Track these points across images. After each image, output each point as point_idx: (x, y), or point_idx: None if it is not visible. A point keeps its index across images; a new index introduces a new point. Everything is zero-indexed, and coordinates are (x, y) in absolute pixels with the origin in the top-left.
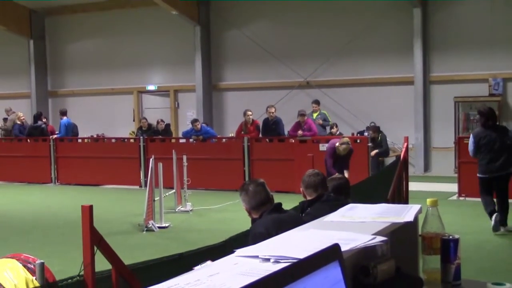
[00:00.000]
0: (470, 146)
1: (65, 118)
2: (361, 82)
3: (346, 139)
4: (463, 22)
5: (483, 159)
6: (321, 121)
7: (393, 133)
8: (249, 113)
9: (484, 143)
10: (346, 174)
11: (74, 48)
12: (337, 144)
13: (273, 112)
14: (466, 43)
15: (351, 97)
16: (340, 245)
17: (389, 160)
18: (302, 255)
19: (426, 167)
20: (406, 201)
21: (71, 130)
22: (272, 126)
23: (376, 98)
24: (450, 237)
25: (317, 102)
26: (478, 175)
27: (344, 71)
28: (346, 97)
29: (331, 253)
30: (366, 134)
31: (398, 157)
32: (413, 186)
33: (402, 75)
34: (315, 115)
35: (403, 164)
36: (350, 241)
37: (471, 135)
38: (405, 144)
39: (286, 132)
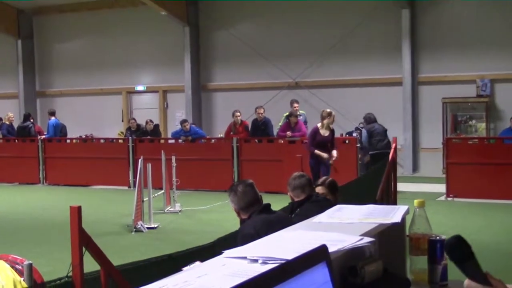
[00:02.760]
0: None
1: (53, 118)
2: (349, 83)
3: (329, 110)
4: (452, 23)
5: None
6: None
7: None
8: (238, 114)
9: None
10: (334, 154)
11: (63, 48)
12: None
13: (262, 113)
14: (455, 44)
15: (340, 98)
16: (328, 246)
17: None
18: (290, 256)
19: (415, 168)
20: (394, 202)
21: (60, 130)
22: (261, 127)
23: (365, 99)
24: (437, 237)
25: (297, 101)
26: None
27: (333, 71)
28: (335, 98)
29: (319, 254)
30: (354, 134)
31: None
32: (401, 186)
33: (390, 76)
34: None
35: (391, 164)
36: (338, 242)
37: None
38: (394, 144)
39: (275, 133)
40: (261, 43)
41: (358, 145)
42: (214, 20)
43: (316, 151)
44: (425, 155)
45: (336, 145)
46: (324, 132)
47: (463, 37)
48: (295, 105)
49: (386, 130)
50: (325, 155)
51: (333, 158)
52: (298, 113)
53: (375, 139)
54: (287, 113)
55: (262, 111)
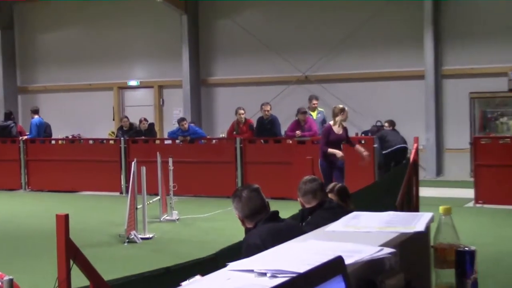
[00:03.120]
0: None
1: (36, 117)
2: (365, 77)
3: (341, 106)
4: (479, 10)
5: None
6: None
7: (401, 133)
8: (241, 111)
9: None
10: (360, 148)
11: (47, 39)
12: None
13: (268, 110)
14: (483, 33)
15: (354, 94)
16: (344, 257)
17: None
18: (302, 269)
19: (439, 171)
20: (416, 209)
21: (44, 130)
22: (267, 126)
23: (382, 95)
24: (466, 248)
25: (316, 98)
26: None
27: (347, 64)
28: (349, 94)
29: (334, 267)
30: (370, 134)
31: (407, 159)
32: (424, 191)
33: (411, 69)
34: (314, 114)
35: (413, 167)
36: (354, 253)
37: None
38: (415, 145)
39: (283, 132)
40: (268, 33)
41: (375, 145)
42: (215, 7)
43: (330, 150)
44: (450, 156)
45: (354, 143)
46: (338, 130)
47: (492, 24)
48: (314, 101)
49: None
50: (340, 153)
51: (364, 153)
52: (317, 110)
53: (387, 140)
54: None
55: (268, 108)
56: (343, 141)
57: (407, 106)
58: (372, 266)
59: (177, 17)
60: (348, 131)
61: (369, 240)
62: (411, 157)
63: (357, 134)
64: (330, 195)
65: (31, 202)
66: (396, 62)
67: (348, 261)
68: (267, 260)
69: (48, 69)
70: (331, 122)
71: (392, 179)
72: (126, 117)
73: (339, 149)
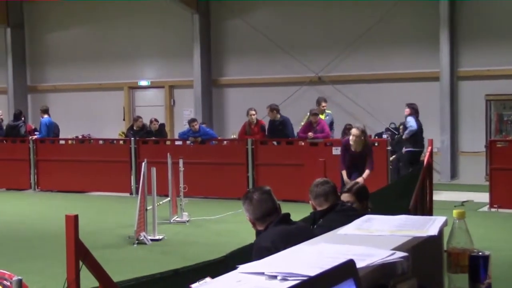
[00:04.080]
0: None
1: (46, 116)
2: (379, 78)
3: (358, 125)
4: (496, 10)
5: None
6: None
7: None
8: (253, 112)
9: None
10: (359, 179)
11: (57, 38)
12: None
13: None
14: (500, 33)
15: (368, 95)
16: (355, 261)
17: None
18: (312, 272)
19: (453, 174)
20: (430, 213)
21: (53, 130)
22: (278, 127)
23: (397, 96)
24: (480, 253)
25: (325, 100)
26: None
27: (361, 65)
28: (363, 95)
29: (345, 270)
30: (385, 136)
31: (421, 162)
32: (438, 195)
33: (426, 70)
34: (323, 116)
35: (427, 170)
36: (366, 257)
37: None
38: (429, 147)
39: (295, 134)
40: (280, 33)
41: (389, 147)
42: (227, 6)
43: (344, 173)
44: (465, 159)
45: (370, 165)
46: (355, 148)
47: (510, 25)
48: (323, 104)
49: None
50: (346, 180)
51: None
52: (325, 113)
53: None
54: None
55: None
56: (359, 160)
57: (422, 108)
58: (384, 270)
59: (188, 17)
60: (369, 150)
61: (381, 244)
62: (425, 159)
63: (370, 136)
64: (347, 195)
65: (40, 202)
66: (411, 63)
67: (359, 264)
68: (278, 262)
69: (58, 68)
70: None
71: (405, 182)
72: (140, 117)
73: (353, 168)
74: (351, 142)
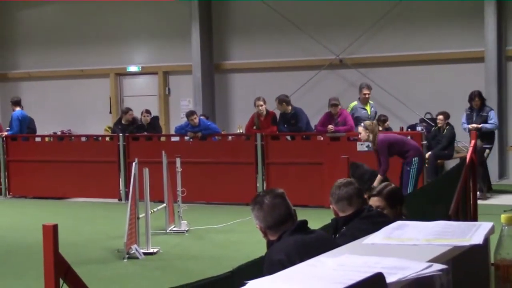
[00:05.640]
0: None
1: (18, 109)
2: (411, 60)
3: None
4: None
5: None
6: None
7: (456, 127)
8: (260, 102)
9: None
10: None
11: (31, 17)
12: None
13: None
14: None
15: (398, 80)
16: (385, 275)
17: (452, 163)
18: None
19: (502, 173)
20: (473, 218)
21: (27, 125)
22: (291, 121)
23: (433, 81)
24: None
25: (368, 86)
26: None
27: (389, 45)
28: (392, 80)
29: (373, 286)
30: (419, 128)
31: (463, 159)
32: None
33: (468, 50)
34: (368, 108)
35: (469, 168)
36: (397, 270)
37: None
38: (473, 142)
39: (312, 127)
40: (294, 9)
41: (425, 142)
42: None
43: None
44: None
45: (380, 168)
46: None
47: None
48: (365, 91)
49: None
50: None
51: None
52: (369, 103)
53: None
54: (354, 103)
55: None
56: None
57: (463, 94)
58: (419, 285)
59: None
60: (379, 149)
61: (415, 255)
62: (468, 156)
63: (402, 128)
64: (376, 199)
65: (12, 211)
66: (449, 42)
67: (389, 279)
68: (293, 278)
69: (32, 52)
70: None
71: (444, 183)
72: (130, 109)
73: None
74: (373, 139)
